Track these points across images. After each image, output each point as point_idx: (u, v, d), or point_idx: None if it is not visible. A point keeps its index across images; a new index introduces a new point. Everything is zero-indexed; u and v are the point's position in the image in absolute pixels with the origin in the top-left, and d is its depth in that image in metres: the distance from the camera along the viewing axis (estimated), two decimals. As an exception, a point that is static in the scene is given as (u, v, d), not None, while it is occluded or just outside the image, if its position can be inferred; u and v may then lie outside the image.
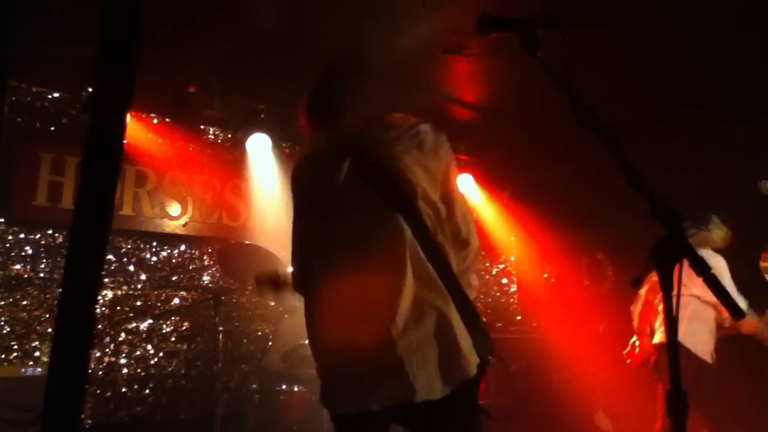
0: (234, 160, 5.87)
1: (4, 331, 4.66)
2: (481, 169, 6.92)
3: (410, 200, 1.94)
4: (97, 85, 1.00)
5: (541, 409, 5.71)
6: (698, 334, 4.29)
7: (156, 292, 5.40)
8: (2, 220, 4.80)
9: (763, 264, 4.91)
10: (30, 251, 4.87)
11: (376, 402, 1.89)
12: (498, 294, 7.86)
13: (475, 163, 6.92)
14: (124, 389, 5.04)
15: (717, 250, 4.35)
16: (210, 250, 5.73)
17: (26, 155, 4.89)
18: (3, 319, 4.67)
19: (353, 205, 1.99)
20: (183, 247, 5.64)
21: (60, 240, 4.99)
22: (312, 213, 2.10)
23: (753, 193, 4.63)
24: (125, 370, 5.08)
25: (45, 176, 4.92)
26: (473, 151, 6.82)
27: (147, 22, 1.05)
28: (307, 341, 4.72)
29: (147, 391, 5.14)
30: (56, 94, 5.10)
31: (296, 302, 5.57)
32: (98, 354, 4.95)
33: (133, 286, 5.29)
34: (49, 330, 4.83)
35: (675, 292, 1.39)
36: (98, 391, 4.88)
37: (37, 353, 4.73)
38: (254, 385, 5.24)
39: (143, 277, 5.36)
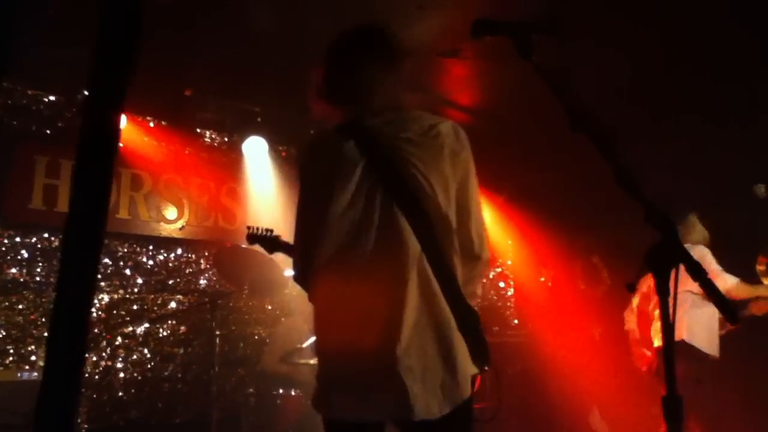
0: (230, 163, 5.87)
1: (0, 336, 4.65)
2: (477, 173, 6.90)
3: (421, 208, 1.87)
4: (91, 87, 0.99)
5: (538, 412, 5.71)
6: (700, 329, 4.31)
7: (152, 296, 5.39)
8: (-3, 223, 4.80)
9: (758, 267, 4.91)
10: (26, 255, 4.86)
11: (373, 414, 1.86)
12: (495, 297, 7.86)
13: (471, 166, 6.90)
14: (120, 393, 5.02)
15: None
16: (206, 254, 5.72)
17: (22, 158, 4.88)
18: (-2, 323, 4.67)
19: (363, 205, 1.90)
20: (179, 251, 5.64)
21: (56, 243, 4.98)
22: (320, 206, 1.95)
23: (748, 197, 4.64)
24: (121, 374, 5.07)
25: (40, 179, 4.91)
26: (469, 154, 6.81)
27: (144, 24, 1.05)
28: (303, 345, 4.73)
29: (143, 395, 5.13)
30: (52, 97, 5.09)
31: (292, 304, 5.60)
32: (94, 358, 4.94)
33: (129, 290, 5.27)
34: (45, 334, 4.82)
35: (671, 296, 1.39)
36: (94, 395, 4.87)
37: (33, 357, 4.72)
38: (250, 389, 5.23)
39: (139, 280, 5.35)
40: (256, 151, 5.73)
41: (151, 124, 5.49)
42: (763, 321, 4.44)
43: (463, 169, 1.97)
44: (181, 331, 5.46)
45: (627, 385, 5.22)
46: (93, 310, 4.93)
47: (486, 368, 1.96)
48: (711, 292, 1.36)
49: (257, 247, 3.27)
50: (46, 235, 4.96)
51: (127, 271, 5.31)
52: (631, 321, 4.88)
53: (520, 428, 5.62)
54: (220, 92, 5.32)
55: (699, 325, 4.32)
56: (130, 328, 5.19)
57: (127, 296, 5.25)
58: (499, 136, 6.09)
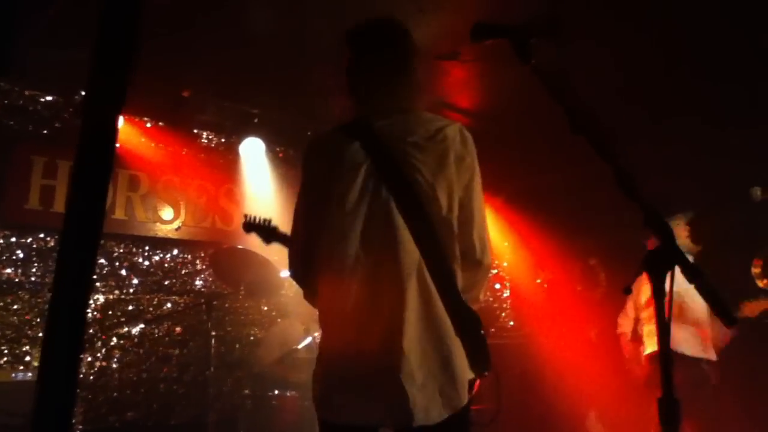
0: (227, 165, 5.87)
1: (-5, 336, 4.64)
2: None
3: (423, 212, 1.87)
4: (90, 87, 0.99)
5: (534, 414, 5.70)
6: (685, 335, 4.31)
7: (148, 297, 5.38)
8: (-7, 223, 4.79)
9: (754, 270, 4.92)
10: (21, 255, 4.85)
11: (373, 418, 1.85)
12: (491, 299, 7.86)
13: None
14: (115, 394, 5.01)
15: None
16: (203, 255, 5.72)
17: (18, 159, 4.88)
18: (-6, 323, 4.65)
19: (364, 207, 1.90)
20: (176, 252, 5.63)
21: (52, 244, 4.97)
22: (321, 205, 1.97)
23: (745, 199, 4.64)
24: (117, 375, 5.06)
25: (37, 180, 4.90)
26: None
27: (142, 25, 1.05)
28: (299, 346, 4.73)
29: (139, 396, 5.12)
30: (49, 98, 5.08)
31: (288, 305, 5.59)
32: (90, 359, 4.92)
33: (125, 291, 5.27)
34: (40, 334, 4.81)
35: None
36: (90, 396, 4.85)
37: (27, 358, 4.71)
38: (246, 391, 5.22)
39: (135, 281, 5.34)
40: (253, 152, 5.73)
41: (149, 125, 5.49)
42: (762, 322, 4.45)
43: (467, 174, 1.96)
44: (177, 332, 5.45)
45: (624, 388, 5.22)
46: (88, 310, 4.92)
47: (486, 373, 1.96)
48: (708, 293, 1.36)
49: (253, 236, 3.25)
50: (42, 235, 4.95)
51: (123, 272, 5.30)
52: (623, 325, 4.89)
53: (517, 430, 5.62)
54: (217, 94, 5.31)
55: (683, 331, 4.32)
56: (126, 329, 5.18)
57: (123, 297, 5.24)
58: (498, 138, 6.08)
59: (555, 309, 6.82)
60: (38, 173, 4.92)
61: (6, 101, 4.88)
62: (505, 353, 5.91)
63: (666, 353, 1.38)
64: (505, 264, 7.87)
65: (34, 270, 4.87)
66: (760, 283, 4.82)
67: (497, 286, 7.95)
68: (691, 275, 1.35)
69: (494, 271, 7.92)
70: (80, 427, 4.67)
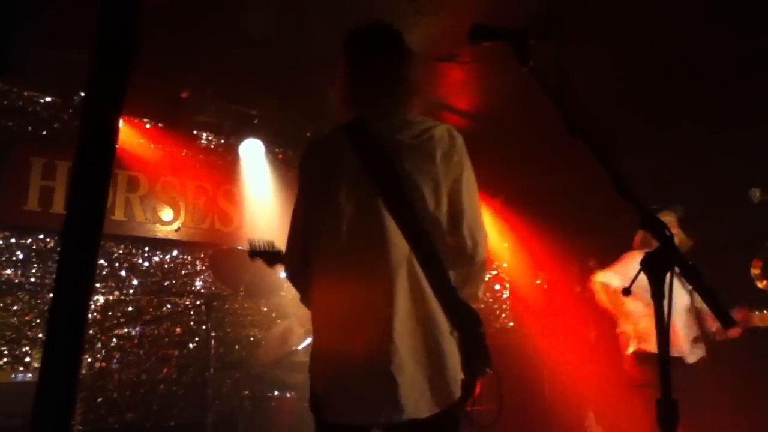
0: (227, 166, 5.87)
1: (-6, 337, 4.64)
2: (474, 176, 6.92)
3: (411, 211, 1.90)
4: (90, 88, 0.99)
5: (533, 415, 5.71)
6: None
7: (148, 298, 5.38)
8: (-7, 224, 4.78)
9: (753, 271, 4.93)
10: (21, 256, 4.85)
11: (366, 415, 1.88)
12: (490, 300, 7.86)
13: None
14: (115, 395, 5.01)
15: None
16: (202, 256, 5.71)
17: (17, 160, 4.87)
18: (-7, 324, 4.65)
19: (356, 208, 1.95)
20: (175, 253, 5.63)
21: (51, 245, 4.97)
22: (316, 205, 2.03)
23: (744, 201, 4.65)
24: (116, 376, 5.05)
25: (36, 181, 4.90)
26: (466, 157, 6.83)
27: (141, 26, 1.05)
28: (298, 347, 4.73)
29: (138, 397, 5.12)
30: (48, 99, 5.08)
31: (287, 307, 5.59)
32: (89, 359, 4.92)
33: (124, 292, 5.26)
34: (40, 335, 4.81)
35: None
36: (89, 397, 4.85)
37: (27, 359, 4.70)
38: (245, 392, 5.22)
39: (135, 282, 5.34)
40: (252, 153, 5.72)
41: (148, 126, 5.49)
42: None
43: (455, 171, 2.00)
44: (176, 333, 5.45)
45: (623, 389, 5.22)
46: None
47: (488, 370, 1.98)
48: (706, 295, 1.36)
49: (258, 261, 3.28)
50: (41, 236, 4.95)
51: (123, 273, 5.30)
52: (623, 324, 4.87)
53: (516, 431, 5.62)
54: (217, 94, 5.31)
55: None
56: (125, 330, 5.18)
57: (123, 298, 5.24)
58: (497, 140, 6.09)
59: (554, 310, 6.83)
60: (37, 174, 4.92)
61: (5, 102, 4.88)
62: (504, 354, 5.88)
63: (665, 354, 1.38)
64: (505, 265, 7.87)
65: (33, 271, 4.87)
66: (760, 284, 4.83)
67: (497, 287, 7.95)
68: (690, 276, 1.36)
69: (494, 272, 7.93)
70: (79, 428, 4.67)
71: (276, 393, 4.68)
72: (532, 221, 6.92)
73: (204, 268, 5.70)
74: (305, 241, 2.06)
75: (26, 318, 4.77)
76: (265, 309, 5.98)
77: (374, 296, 1.88)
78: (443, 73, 4.91)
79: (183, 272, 5.64)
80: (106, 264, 5.20)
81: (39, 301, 4.84)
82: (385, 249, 1.89)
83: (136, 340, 5.22)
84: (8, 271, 4.78)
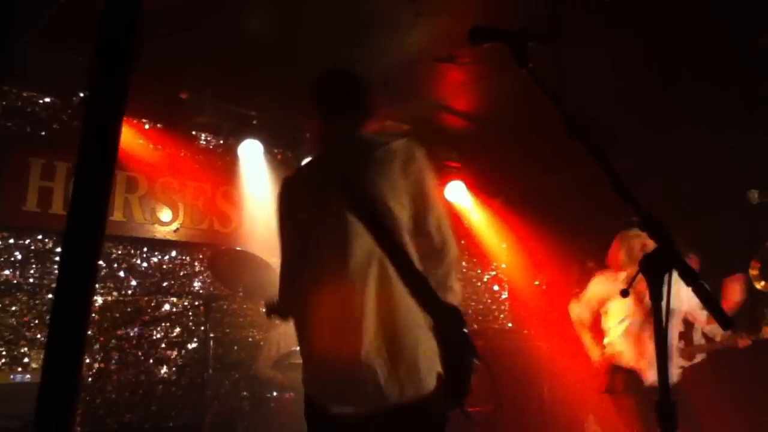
0: (225, 167, 5.86)
1: (-7, 338, 4.64)
2: (473, 177, 6.94)
3: (380, 221, 2.08)
4: (92, 91, 1.00)
5: (532, 417, 5.71)
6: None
7: (146, 298, 5.38)
8: (-9, 225, 4.78)
9: (751, 272, 4.94)
10: (19, 257, 4.84)
11: (349, 406, 2.04)
12: (489, 301, 7.87)
13: (467, 170, 6.94)
14: (113, 396, 5.00)
15: None
16: (201, 257, 5.71)
17: (16, 160, 4.87)
18: (-9, 325, 4.65)
19: (330, 224, 2.13)
20: (174, 253, 5.63)
21: (50, 246, 4.96)
22: (294, 233, 2.26)
23: (743, 202, 4.66)
24: (115, 377, 5.05)
25: (35, 182, 4.89)
26: (465, 158, 6.85)
27: (141, 27, 1.05)
28: (297, 348, 4.72)
29: (136, 397, 5.11)
30: (47, 99, 5.08)
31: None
32: (88, 360, 4.91)
33: (123, 292, 5.26)
34: (39, 336, 4.80)
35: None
36: (87, 398, 4.84)
37: (26, 360, 4.70)
38: (244, 393, 5.22)
39: (133, 283, 5.33)
40: (251, 154, 5.71)
41: (147, 127, 5.48)
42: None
43: (415, 176, 2.17)
44: (175, 334, 5.44)
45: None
46: (87, 312, 4.90)
47: (475, 362, 2.09)
48: (704, 297, 1.37)
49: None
50: (40, 237, 4.94)
51: (121, 273, 5.30)
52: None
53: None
54: (216, 95, 5.31)
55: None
56: (124, 331, 5.18)
57: (121, 298, 5.24)
58: (496, 141, 6.11)
59: (553, 311, 6.83)
60: (36, 175, 4.91)
61: (4, 102, 4.88)
62: (503, 355, 5.91)
63: (663, 354, 1.39)
64: (504, 266, 7.87)
65: (32, 272, 4.86)
66: (758, 285, 4.84)
67: (495, 287, 7.95)
68: (688, 278, 1.36)
69: (492, 273, 7.93)
70: (78, 428, 4.67)
71: (275, 394, 4.68)
72: (531, 222, 6.93)
73: (203, 268, 5.69)
74: (291, 268, 2.27)
75: (24, 319, 4.76)
76: (264, 310, 5.97)
77: (348, 299, 2.05)
78: (442, 75, 4.92)
79: (182, 273, 5.63)
80: (104, 265, 5.20)
81: (37, 301, 4.83)
82: (354, 255, 2.06)
83: (134, 341, 5.22)
84: (6, 272, 4.77)
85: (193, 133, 5.84)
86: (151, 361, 5.27)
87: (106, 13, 0.97)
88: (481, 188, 7.09)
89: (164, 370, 5.32)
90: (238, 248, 4.77)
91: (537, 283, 7.53)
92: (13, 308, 4.75)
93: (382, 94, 2.53)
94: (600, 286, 4.45)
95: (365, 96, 2.38)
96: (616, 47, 4.34)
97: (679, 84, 4.81)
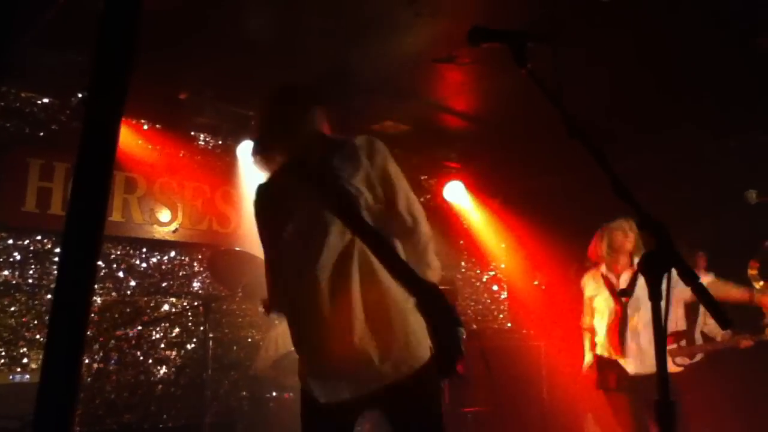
0: (224, 167, 5.86)
1: (-8, 338, 4.63)
2: (472, 177, 6.95)
3: (354, 212, 2.19)
4: (92, 92, 1.00)
5: (531, 416, 5.71)
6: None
7: (145, 299, 5.38)
8: (-10, 225, 4.77)
9: (750, 272, 4.94)
10: (18, 257, 4.84)
11: (342, 392, 2.18)
12: (488, 301, 7.87)
13: (466, 170, 6.95)
14: (112, 396, 5.00)
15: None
16: (200, 257, 5.71)
17: (15, 161, 4.86)
18: (-10, 325, 4.64)
19: (308, 222, 2.24)
20: (173, 254, 5.63)
21: (48, 246, 4.96)
22: (280, 235, 2.32)
23: (742, 202, 4.66)
24: (114, 377, 5.05)
25: (34, 182, 4.89)
26: (464, 158, 6.86)
27: (141, 28, 1.05)
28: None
29: (136, 398, 5.11)
30: (46, 100, 5.07)
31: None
32: (87, 360, 4.91)
33: (122, 293, 5.26)
34: (38, 336, 4.80)
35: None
36: (86, 398, 4.84)
37: (25, 360, 4.70)
38: (244, 393, 5.22)
39: (133, 283, 5.33)
40: (250, 155, 5.70)
41: (146, 127, 5.48)
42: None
43: (380, 167, 2.28)
44: (174, 334, 5.44)
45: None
46: (86, 313, 4.90)
47: (461, 330, 2.25)
48: (703, 297, 1.37)
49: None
50: (38, 237, 4.94)
51: (120, 274, 5.30)
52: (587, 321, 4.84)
53: (515, 431, 5.63)
54: (215, 96, 5.31)
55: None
56: (123, 331, 5.18)
57: (120, 299, 5.23)
58: (495, 141, 6.12)
59: (552, 311, 6.83)
60: (35, 175, 4.91)
61: (2, 103, 4.88)
62: (502, 354, 5.92)
63: (662, 354, 1.39)
64: (503, 266, 7.88)
65: (31, 272, 4.86)
66: (757, 285, 4.83)
67: (495, 287, 7.96)
68: (687, 278, 1.36)
69: (491, 273, 7.94)
70: (77, 429, 4.66)
71: (274, 394, 4.67)
72: (530, 222, 6.93)
73: (202, 269, 5.69)
74: (274, 269, 2.39)
75: (24, 319, 4.76)
76: (261, 308, 5.97)
77: (335, 291, 2.17)
78: (442, 75, 4.92)
79: (181, 273, 5.63)
80: (103, 265, 5.20)
81: (36, 302, 4.83)
82: (335, 249, 2.18)
83: (133, 341, 5.22)
84: (5, 273, 4.77)
85: (192, 133, 5.83)
86: (150, 361, 5.27)
87: (106, 13, 0.96)
88: (480, 188, 7.09)
89: (163, 370, 5.32)
90: (237, 249, 4.77)
91: (536, 283, 7.53)
92: (12, 309, 4.74)
93: (381, 94, 2.55)
94: (588, 286, 4.50)
95: (314, 101, 2.52)
96: (614, 48, 4.34)
97: (679, 84, 4.81)
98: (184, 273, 5.65)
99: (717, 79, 4.66)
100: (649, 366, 3.98)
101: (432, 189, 7.31)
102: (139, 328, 5.24)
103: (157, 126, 5.51)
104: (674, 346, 4.38)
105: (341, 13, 3.84)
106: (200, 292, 5.66)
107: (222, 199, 5.86)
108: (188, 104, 5.26)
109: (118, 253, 5.32)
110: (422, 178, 7.27)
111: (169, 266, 5.58)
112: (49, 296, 4.90)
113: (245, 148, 5.67)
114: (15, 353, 4.68)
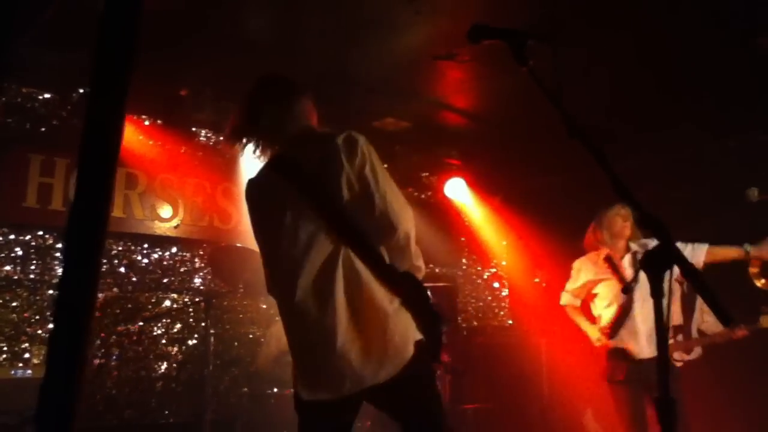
0: (225, 163, 5.85)
1: (-7, 333, 4.64)
2: (473, 174, 6.95)
3: (335, 208, 2.24)
4: (92, 93, 1.00)
5: (531, 413, 5.72)
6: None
7: (146, 295, 5.38)
8: (-8, 221, 4.78)
9: (751, 270, 4.93)
10: (20, 253, 4.85)
11: (332, 391, 2.19)
12: (489, 298, 7.88)
13: (467, 167, 6.95)
14: (113, 392, 5.01)
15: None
16: (201, 253, 5.72)
17: (16, 157, 4.87)
18: (-8, 321, 4.65)
19: (294, 219, 2.27)
20: (174, 250, 5.63)
21: (50, 241, 4.97)
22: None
23: (743, 202, 4.66)
24: (115, 373, 5.06)
25: (35, 178, 4.90)
26: (465, 156, 6.85)
27: (142, 24, 1.05)
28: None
29: (136, 394, 5.12)
30: (47, 96, 5.07)
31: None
32: (88, 356, 4.92)
33: (123, 288, 5.26)
34: (39, 332, 4.81)
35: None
36: (87, 394, 4.85)
37: (26, 355, 4.70)
38: (244, 389, 5.23)
39: (134, 279, 5.34)
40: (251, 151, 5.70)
41: (147, 123, 5.48)
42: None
43: (358, 163, 2.27)
44: (175, 330, 5.45)
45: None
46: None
47: (445, 328, 2.33)
48: (704, 293, 1.37)
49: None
50: (40, 233, 4.95)
51: (122, 270, 5.30)
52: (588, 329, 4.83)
53: (514, 429, 5.64)
54: (215, 92, 5.30)
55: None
56: (124, 327, 5.18)
57: (121, 294, 5.24)
58: (496, 139, 6.11)
59: (553, 308, 6.83)
60: (36, 171, 4.91)
61: (3, 99, 4.87)
62: (503, 352, 5.93)
63: (663, 353, 1.39)
64: (504, 263, 7.88)
65: (32, 267, 4.87)
66: (758, 283, 4.83)
67: (495, 285, 7.96)
68: (688, 275, 1.37)
69: (492, 270, 7.94)
70: (78, 424, 4.66)
71: (275, 390, 4.68)
72: (530, 220, 6.93)
73: (203, 265, 5.70)
74: (269, 262, 2.42)
75: (25, 315, 4.77)
76: (264, 306, 5.98)
77: (319, 294, 2.20)
78: (442, 73, 4.91)
79: (182, 269, 5.64)
80: (105, 261, 5.19)
81: (38, 297, 4.84)
82: (321, 251, 2.22)
83: (134, 337, 5.22)
84: (7, 268, 4.78)
85: (193, 129, 5.82)
86: (151, 357, 5.28)
87: (106, 13, 0.97)
88: (481, 186, 7.09)
89: (164, 366, 5.33)
90: (238, 245, 4.79)
91: (537, 280, 7.53)
92: (14, 304, 4.75)
93: (382, 92, 2.55)
94: (585, 270, 4.49)
95: (299, 94, 2.54)
96: (614, 48, 4.34)
97: (679, 84, 4.80)
98: (185, 269, 5.65)
99: (717, 79, 4.66)
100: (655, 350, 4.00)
101: (433, 186, 7.30)
102: (140, 324, 5.25)
103: (158, 122, 5.51)
104: (671, 341, 4.38)
105: (341, 13, 3.84)
106: (201, 288, 5.66)
107: (223, 196, 5.86)
108: (189, 100, 5.25)
109: (120, 249, 5.33)
110: (423, 174, 7.26)
111: (170, 262, 5.58)
112: (50, 292, 4.91)
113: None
114: (17, 348, 4.69)
